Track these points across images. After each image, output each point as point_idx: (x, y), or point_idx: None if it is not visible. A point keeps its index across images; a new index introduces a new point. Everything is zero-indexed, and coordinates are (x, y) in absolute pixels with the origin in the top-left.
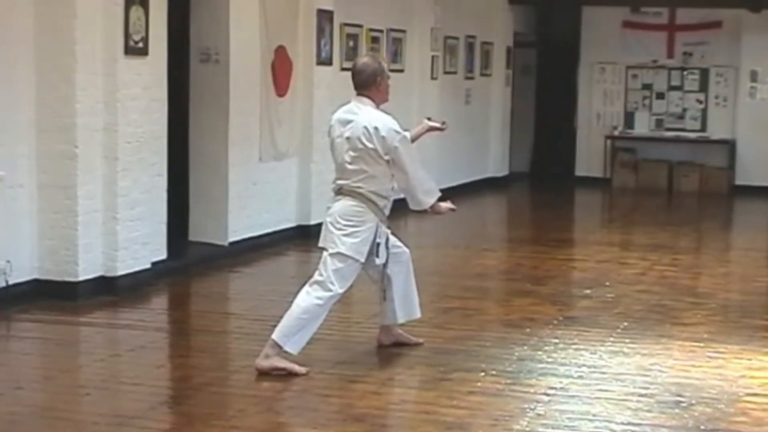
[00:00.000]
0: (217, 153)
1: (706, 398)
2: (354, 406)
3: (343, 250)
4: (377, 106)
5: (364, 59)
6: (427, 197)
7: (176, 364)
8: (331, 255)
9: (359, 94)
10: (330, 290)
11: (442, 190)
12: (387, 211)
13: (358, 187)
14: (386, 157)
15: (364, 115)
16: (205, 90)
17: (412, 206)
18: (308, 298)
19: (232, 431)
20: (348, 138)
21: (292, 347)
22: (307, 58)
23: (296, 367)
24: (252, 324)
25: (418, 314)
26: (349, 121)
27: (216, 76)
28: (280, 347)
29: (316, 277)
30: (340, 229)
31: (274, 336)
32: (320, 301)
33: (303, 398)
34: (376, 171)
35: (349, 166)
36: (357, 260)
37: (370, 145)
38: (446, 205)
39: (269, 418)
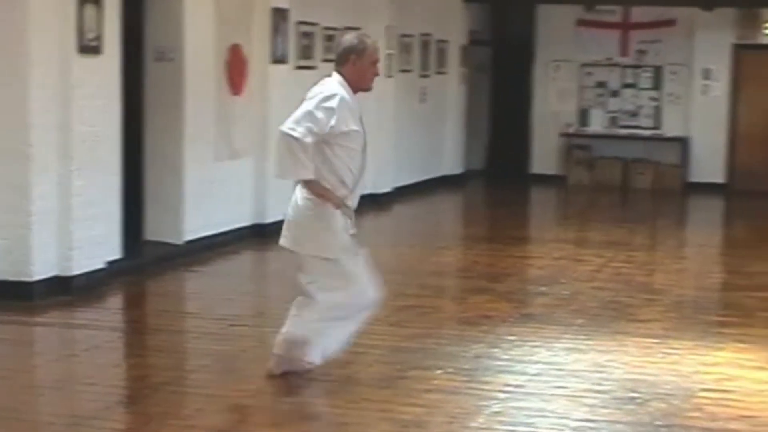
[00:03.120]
0: (172, 152)
1: (661, 394)
2: (311, 404)
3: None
4: (349, 87)
5: (347, 35)
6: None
7: (132, 363)
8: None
9: (335, 69)
10: None
11: (397, 189)
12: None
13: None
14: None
15: (316, 87)
16: (160, 89)
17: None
18: None
19: (189, 430)
20: None
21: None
22: (262, 57)
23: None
24: (208, 323)
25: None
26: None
27: (171, 75)
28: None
29: None
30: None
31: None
32: None
33: (260, 397)
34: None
35: None
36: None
37: None
38: None
39: (226, 417)
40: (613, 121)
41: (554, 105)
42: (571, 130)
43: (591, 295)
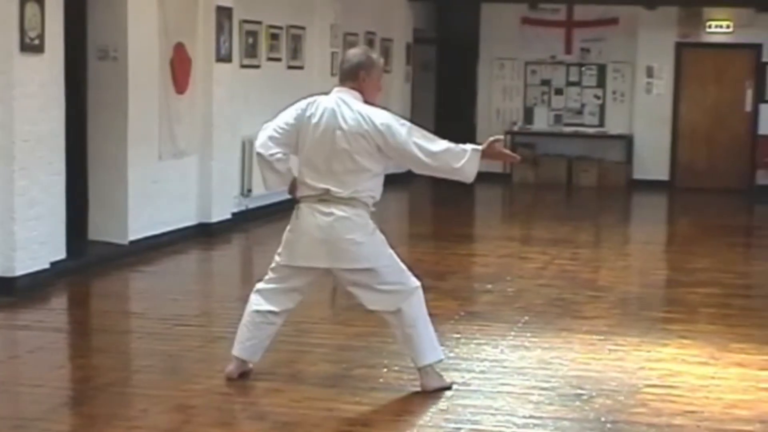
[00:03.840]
0: (116, 151)
1: (607, 390)
2: (257, 404)
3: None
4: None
5: (352, 50)
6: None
7: (77, 364)
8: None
9: (342, 85)
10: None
11: None
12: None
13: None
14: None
15: (348, 107)
16: (104, 88)
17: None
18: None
19: (135, 431)
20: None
21: (435, 356)
22: (206, 55)
23: (446, 380)
24: (153, 323)
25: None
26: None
27: (114, 74)
28: (426, 366)
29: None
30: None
31: (417, 364)
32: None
33: (206, 397)
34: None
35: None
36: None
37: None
38: None
39: (172, 418)
40: (558, 119)
41: (499, 103)
42: (515, 128)
43: (536, 293)
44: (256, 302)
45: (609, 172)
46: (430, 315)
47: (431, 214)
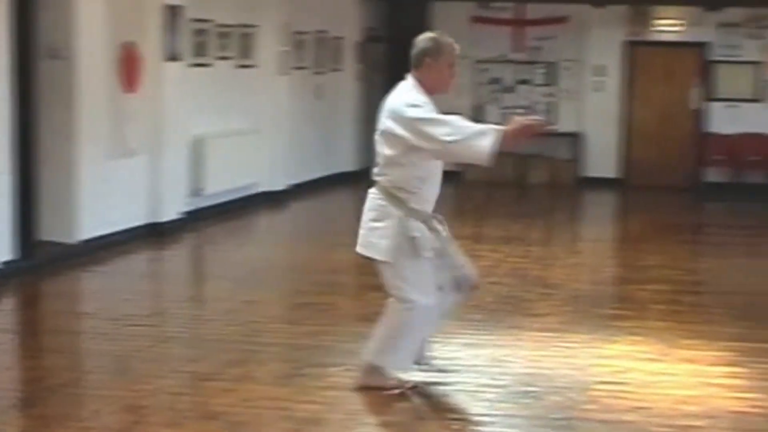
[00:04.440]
0: (65, 150)
1: (558, 387)
2: (208, 403)
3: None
4: (425, 91)
5: (422, 35)
6: (481, 142)
7: (27, 365)
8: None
9: (411, 73)
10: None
11: (293, 186)
12: (418, 205)
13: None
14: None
15: (394, 93)
16: (53, 87)
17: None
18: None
19: None
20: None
21: (392, 366)
22: (156, 54)
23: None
24: (104, 323)
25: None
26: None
27: (64, 73)
28: (377, 367)
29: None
30: (370, 229)
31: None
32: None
33: (157, 397)
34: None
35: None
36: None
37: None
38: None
39: (124, 418)
40: (508, 117)
41: (449, 101)
42: None
43: (488, 291)
44: None
45: (560, 170)
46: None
47: None
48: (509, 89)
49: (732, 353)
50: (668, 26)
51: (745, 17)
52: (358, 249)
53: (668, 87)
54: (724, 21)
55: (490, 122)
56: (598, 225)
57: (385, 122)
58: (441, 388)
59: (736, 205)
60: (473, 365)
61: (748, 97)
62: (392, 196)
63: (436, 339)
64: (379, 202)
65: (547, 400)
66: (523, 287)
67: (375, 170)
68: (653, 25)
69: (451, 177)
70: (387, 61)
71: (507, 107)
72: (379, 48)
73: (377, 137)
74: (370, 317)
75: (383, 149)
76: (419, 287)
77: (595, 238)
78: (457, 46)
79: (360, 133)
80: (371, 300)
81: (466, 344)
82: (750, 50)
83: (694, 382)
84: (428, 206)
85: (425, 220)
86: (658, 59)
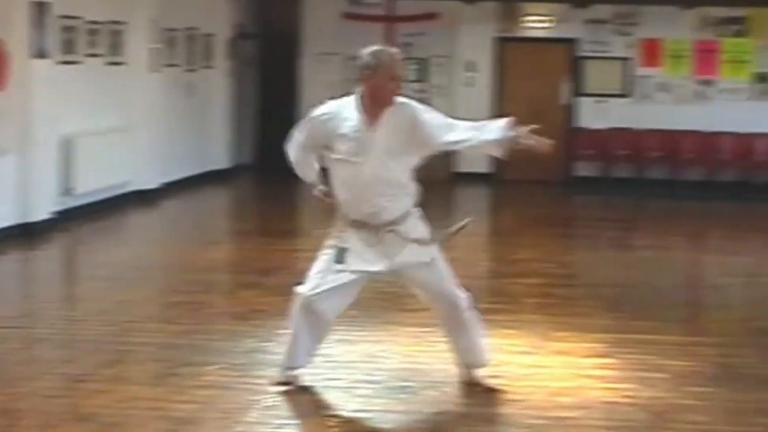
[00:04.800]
0: None
1: (433, 382)
2: (82, 405)
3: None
4: (367, 103)
5: (366, 49)
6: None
7: None
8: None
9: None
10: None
11: (165, 185)
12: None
13: None
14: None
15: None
16: None
17: None
18: None
19: None
20: None
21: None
22: (22, 52)
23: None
24: None
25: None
26: None
27: None
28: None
29: None
30: None
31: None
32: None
33: (31, 400)
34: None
35: None
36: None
37: None
38: None
39: None
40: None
41: (321, 97)
42: None
43: (363, 286)
44: None
45: (431, 166)
46: (258, 311)
47: (255, 210)
48: None
49: (603, 345)
50: (537, 22)
51: (613, 14)
52: None
53: (538, 82)
54: (592, 17)
55: None
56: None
57: None
58: (315, 385)
59: (605, 198)
60: (348, 361)
61: (617, 92)
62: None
63: None
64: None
65: (423, 394)
66: (398, 283)
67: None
68: (523, 22)
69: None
70: (258, 57)
71: None
72: (250, 45)
73: None
74: (244, 315)
75: None
76: (313, 281)
77: (468, 233)
78: (399, 57)
79: (232, 131)
80: (245, 298)
81: (340, 340)
82: (617, 46)
83: (567, 374)
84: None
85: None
86: (528, 55)
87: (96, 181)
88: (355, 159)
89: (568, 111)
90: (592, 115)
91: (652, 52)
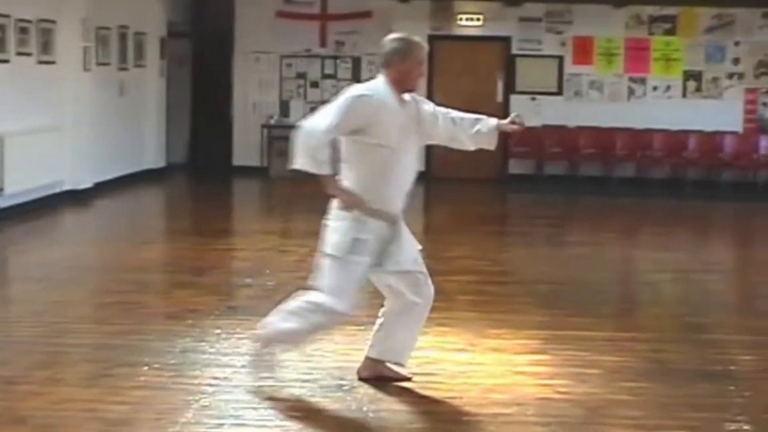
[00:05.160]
0: None
1: (368, 380)
2: (15, 408)
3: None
4: (395, 89)
5: (391, 36)
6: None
7: None
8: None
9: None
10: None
11: (98, 184)
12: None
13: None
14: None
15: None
16: None
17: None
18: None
19: None
20: None
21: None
22: None
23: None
24: None
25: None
26: None
27: None
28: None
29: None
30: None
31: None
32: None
33: None
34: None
35: None
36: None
37: None
38: None
39: None
40: (314, 112)
41: (255, 97)
42: (272, 122)
43: (296, 286)
44: None
45: None
46: (192, 311)
47: (189, 210)
48: (315, 84)
49: (537, 341)
50: (471, 21)
51: (545, 12)
52: None
53: (472, 80)
54: (525, 16)
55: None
56: (404, 217)
57: None
58: (250, 384)
59: (539, 196)
60: (282, 360)
61: (550, 90)
62: None
63: (243, 335)
64: (334, 206)
65: (358, 392)
66: None
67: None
68: (456, 20)
69: (257, 173)
70: (191, 56)
71: (313, 102)
72: (183, 43)
73: None
74: (179, 315)
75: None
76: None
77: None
78: (425, 45)
79: (165, 130)
80: (179, 298)
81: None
82: (550, 44)
83: (502, 370)
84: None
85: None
86: (462, 53)
87: (26, 180)
88: (397, 145)
89: (503, 109)
90: (526, 113)
91: (584, 50)
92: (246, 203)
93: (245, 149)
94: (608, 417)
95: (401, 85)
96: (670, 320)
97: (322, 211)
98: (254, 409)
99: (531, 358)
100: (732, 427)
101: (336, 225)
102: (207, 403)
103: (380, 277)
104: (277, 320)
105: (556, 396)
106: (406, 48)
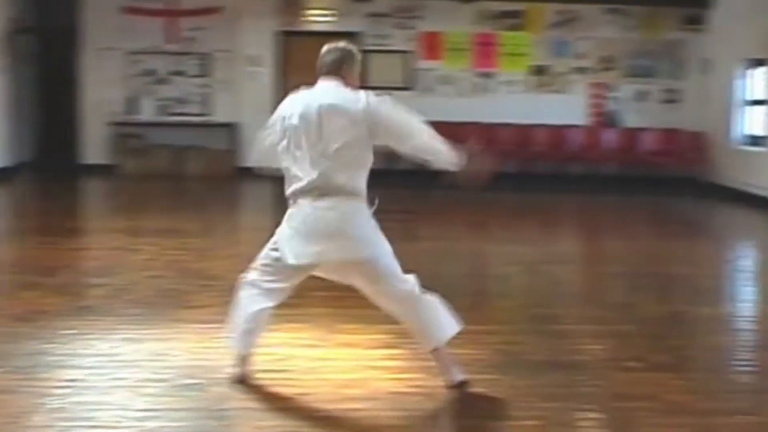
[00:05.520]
0: None
1: (220, 378)
2: None
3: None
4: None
5: (334, 44)
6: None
7: None
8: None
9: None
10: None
11: None
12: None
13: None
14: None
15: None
16: None
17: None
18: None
19: None
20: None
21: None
22: None
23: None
24: None
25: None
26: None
27: None
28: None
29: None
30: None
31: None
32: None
33: None
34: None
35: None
36: None
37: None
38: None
39: None
40: (163, 109)
41: (103, 93)
42: (120, 119)
43: (147, 284)
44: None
45: (216, 161)
46: (40, 312)
47: (37, 209)
48: (163, 81)
49: (390, 336)
50: (319, 16)
51: (393, 8)
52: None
53: None
54: (374, 11)
55: (146, 115)
56: (256, 214)
57: (350, 124)
58: (102, 385)
59: (390, 190)
60: (134, 360)
61: (399, 85)
62: (364, 197)
63: (94, 336)
64: (363, 211)
65: (211, 391)
66: (183, 280)
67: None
68: (305, 15)
69: (106, 171)
70: (37, 52)
71: (162, 99)
72: (27, 39)
73: (329, 141)
74: (26, 317)
75: (353, 151)
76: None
77: (252, 228)
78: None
79: (11, 128)
80: (27, 299)
81: (125, 339)
82: (399, 40)
83: (354, 365)
84: None
85: None
86: (311, 49)
87: None
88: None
89: None
90: None
91: (433, 45)
92: (95, 202)
93: (94, 147)
94: (461, 409)
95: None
96: (520, 312)
97: (173, 208)
98: (107, 410)
99: (383, 353)
100: (581, 416)
101: (373, 222)
102: (58, 406)
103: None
104: (436, 317)
105: (409, 390)
106: (356, 53)
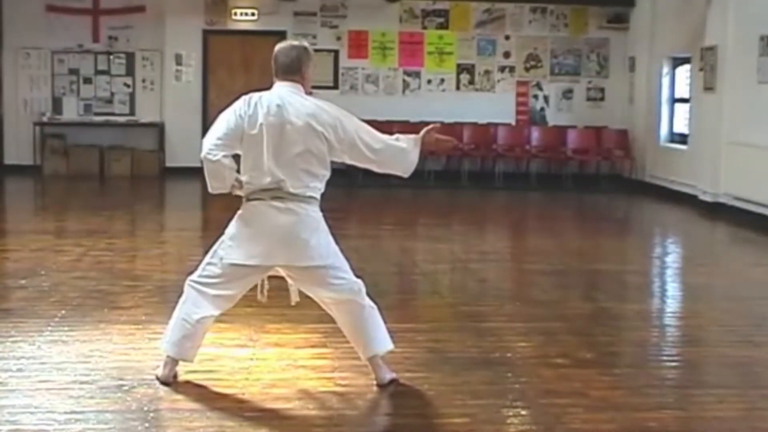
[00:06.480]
0: None
1: (148, 380)
2: None
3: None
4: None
5: (287, 43)
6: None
7: None
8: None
9: (287, 78)
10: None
11: None
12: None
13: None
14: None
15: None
16: None
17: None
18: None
19: None
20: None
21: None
22: None
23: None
24: None
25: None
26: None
27: None
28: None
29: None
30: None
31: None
32: None
33: None
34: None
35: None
36: None
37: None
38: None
39: None
40: (88, 109)
41: (26, 93)
42: (44, 119)
43: (72, 286)
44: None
45: (142, 161)
46: None
47: None
48: (88, 80)
49: (317, 335)
50: (245, 15)
51: (320, 6)
52: (293, 261)
53: (248, 75)
54: (300, 10)
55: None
56: (182, 214)
57: (309, 132)
58: (26, 388)
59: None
60: (59, 362)
61: (325, 84)
62: (317, 202)
63: (17, 338)
64: (315, 216)
65: (138, 392)
66: (108, 280)
67: (290, 184)
68: (231, 14)
69: (29, 171)
70: None
71: (86, 98)
72: None
73: (285, 146)
74: None
75: (311, 158)
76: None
77: (179, 228)
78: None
79: None
80: None
81: (50, 341)
82: (325, 38)
83: (282, 365)
84: None
85: None
86: (238, 48)
87: None
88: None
89: None
90: None
91: (358, 44)
92: (19, 202)
93: (17, 147)
94: (390, 408)
95: (307, 90)
96: (447, 310)
97: (98, 208)
98: (32, 413)
99: (311, 352)
100: (509, 413)
101: (325, 228)
102: None
103: None
104: (378, 327)
105: (338, 389)
106: (311, 53)
